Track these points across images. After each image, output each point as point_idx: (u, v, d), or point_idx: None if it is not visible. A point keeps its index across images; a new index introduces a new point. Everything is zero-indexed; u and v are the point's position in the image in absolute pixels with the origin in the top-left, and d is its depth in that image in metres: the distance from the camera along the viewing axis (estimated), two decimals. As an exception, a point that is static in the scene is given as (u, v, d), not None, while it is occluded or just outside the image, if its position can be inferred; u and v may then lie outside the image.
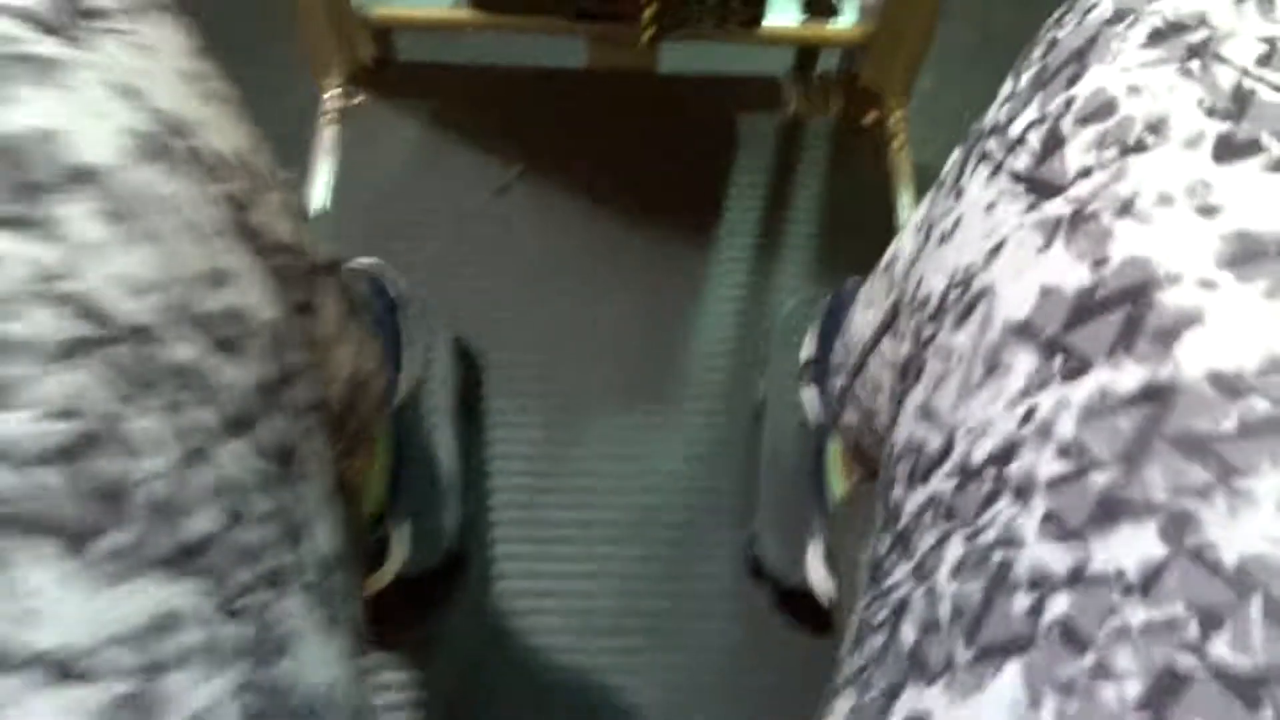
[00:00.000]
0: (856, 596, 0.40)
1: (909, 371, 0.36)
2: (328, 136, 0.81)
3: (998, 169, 0.33)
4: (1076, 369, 0.28)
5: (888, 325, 0.42)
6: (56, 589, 0.25)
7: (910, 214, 0.81)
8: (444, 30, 0.80)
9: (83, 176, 0.26)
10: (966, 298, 0.32)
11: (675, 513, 0.69)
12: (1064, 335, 0.28)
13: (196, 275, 0.29)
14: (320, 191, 0.79)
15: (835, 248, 0.79)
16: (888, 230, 0.81)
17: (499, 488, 0.69)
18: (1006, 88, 0.35)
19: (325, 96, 0.83)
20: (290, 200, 0.37)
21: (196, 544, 0.27)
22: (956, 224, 0.35)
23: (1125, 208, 0.28)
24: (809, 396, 0.68)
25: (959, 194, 0.35)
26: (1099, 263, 0.28)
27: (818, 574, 0.63)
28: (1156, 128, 0.28)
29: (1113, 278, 0.27)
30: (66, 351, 0.25)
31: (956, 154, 0.38)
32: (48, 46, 0.27)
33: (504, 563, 0.67)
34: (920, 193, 0.85)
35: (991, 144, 0.34)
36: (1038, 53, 0.34)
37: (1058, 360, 0.28)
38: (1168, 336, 0.26)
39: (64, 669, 0.24)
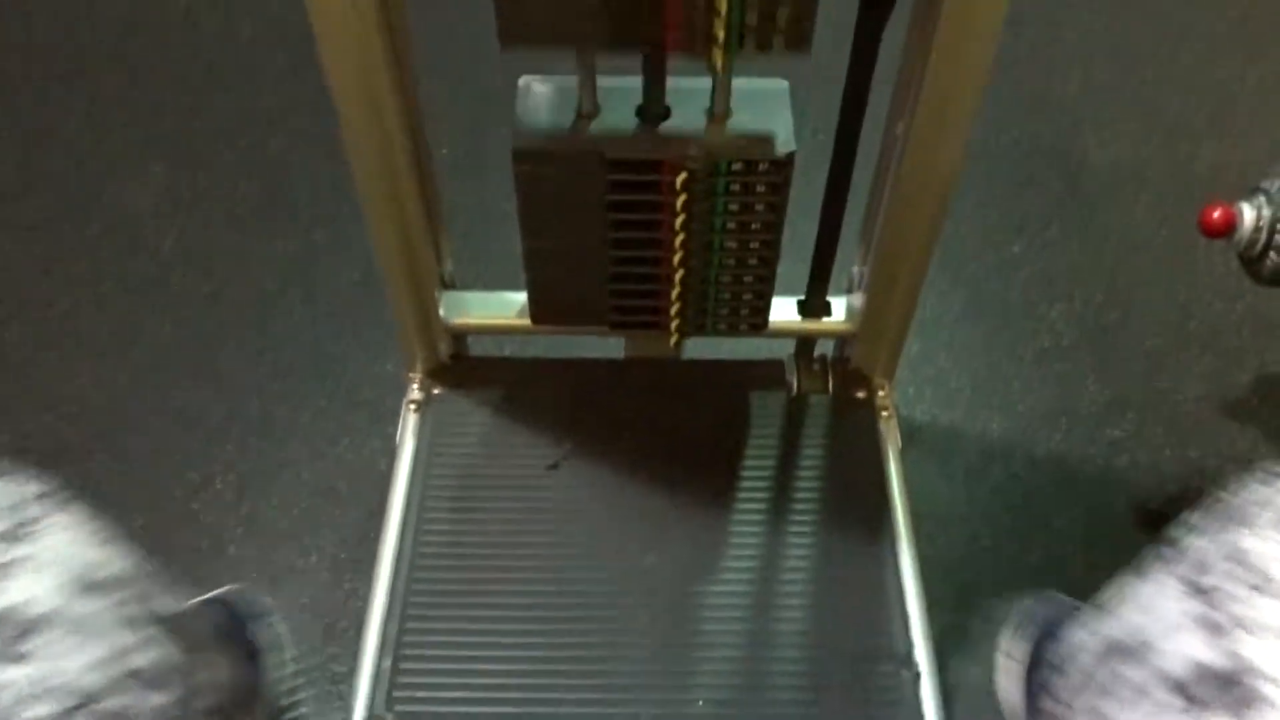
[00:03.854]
0: None
1: (1102, 687, 0.55)
2: (410, 423, 0.98)
3: (1169, 570, 0.53)
4: (1200, 713, 0.46)
5: (1096, 652, 0.59)
6: None
7: (899, 477, 0.96)
8: (509, 334, 0.99)
9: (46, 618, 0.47)
10: (1139, 648, 0.52)
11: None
12: (1196, 689, 0.47)
13: (125, 648, 0.50)
14: (404, 469, 0.96)
15: (835, 507, 0.94)
16: (881, 491, 0.95)
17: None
18: (1186, 517, 0.56)
19: (409, 388, 1.01)
20: (160, 589, 0.57)
21: None
22: (1140, 597, 0.54)
23: (1243, 623, 0.47)
24: (1007, 687, 0.82)
25: (1145, 578, 0.55)
26: (1226, 653, 0.47)
27: None
28: (1271, 579, 0.48)
29: (1227, 659, 0.47)
30: None
31: (1149, 554, 0.58)
32: (11, 551, 0.49)
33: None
34: (908, 458, 1.00)
35: (1166, 550, 0.54)
36: (1206, 506, 0.55)
37: (1189, 703, 0.47)
38: (1254, 705, 0.44)
39: None
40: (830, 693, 0.84)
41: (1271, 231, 0.94)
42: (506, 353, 1.11)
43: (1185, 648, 0.48)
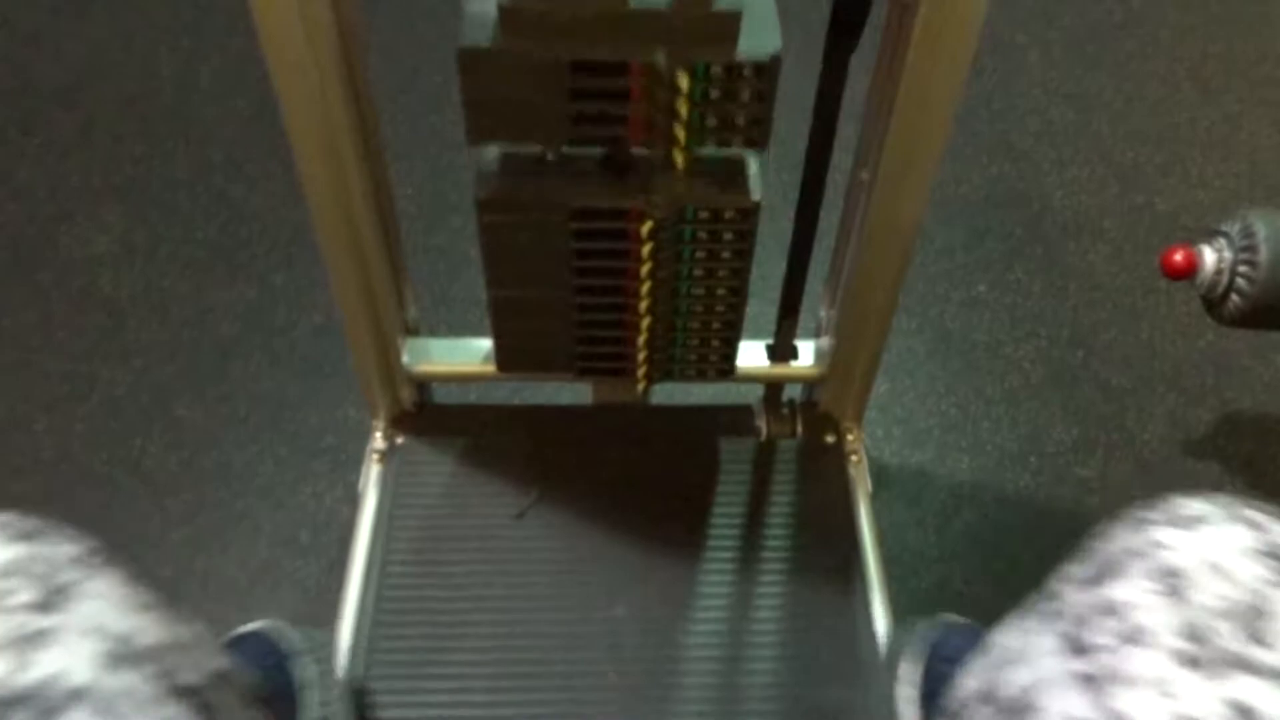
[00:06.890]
0: None
1: None
2: (373, 473, 0.96)
3: (1050, 626, 0.52)
4: None
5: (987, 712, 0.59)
6: None
7: (869, 522, 0.95)
8: (474, 381, 0.97)
9: (77, 694, 0.45)
10: (1024, 710, 0.51)
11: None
12: None
13: None
14: (367, 520, 0.93)
15: (806, 553, 0.93)
16: (851, 536, 0.94)
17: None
18: (1064, 567, 0.55)
19: (372, 437, 0.98)
20: (195, 656, 0.54)
21: None
22: (1026, 653, 0.53)
23: (1118, 677, 0.47)
24: (906, 714, 0.80)
25: (1028, 631, 0.54)
26: (1104, 710, 0.46)
27: None
28: (1143, 630, 0.48)
29: (1105, 716, 0.45)
30: None
31: (1031, 603, 0.57)
32: (44, 620, 0.46)
33: None
34: (879, 500, 0.99)
35: (1045, 604, 0.53)
36: (1081, 555, 0.55)
37: None
38: None
39: None
40: (804, 746, 0.82)
41: (1233, 274, 0.95)
42: (472, 398, 1.10)
43: (1067, 707, 0.48)
